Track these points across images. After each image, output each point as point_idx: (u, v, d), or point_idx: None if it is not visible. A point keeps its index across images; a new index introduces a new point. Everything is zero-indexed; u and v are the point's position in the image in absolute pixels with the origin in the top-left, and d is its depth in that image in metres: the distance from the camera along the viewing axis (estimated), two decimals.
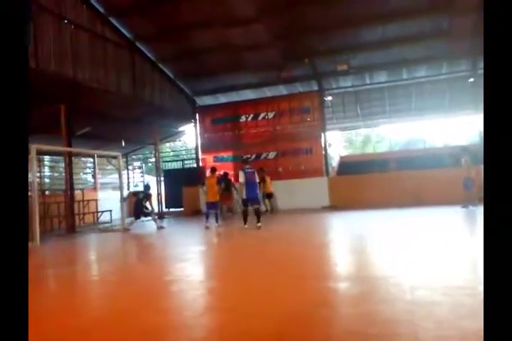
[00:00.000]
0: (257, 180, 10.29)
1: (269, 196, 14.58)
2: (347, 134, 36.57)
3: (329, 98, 17.77)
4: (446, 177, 13.07)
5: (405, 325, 2.95)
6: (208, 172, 12.33)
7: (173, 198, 17.82)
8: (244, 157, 13.19)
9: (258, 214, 10.07)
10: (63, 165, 13.20)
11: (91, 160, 19.36)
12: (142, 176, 22.06)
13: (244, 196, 10.02)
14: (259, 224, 9.83)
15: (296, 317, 3.31)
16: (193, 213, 16.52)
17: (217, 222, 11.27)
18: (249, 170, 10.14)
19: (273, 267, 5.37)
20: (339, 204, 14.66)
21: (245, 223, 10.13)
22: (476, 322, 2.85)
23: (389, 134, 29.82)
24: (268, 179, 14.58)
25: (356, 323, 3.13)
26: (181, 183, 17.18)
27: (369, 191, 14.45)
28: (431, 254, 5.54)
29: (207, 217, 11.02)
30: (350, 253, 6.42)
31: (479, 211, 10.71)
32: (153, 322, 3.40)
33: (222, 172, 14.24)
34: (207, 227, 10.74)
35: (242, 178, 9.99)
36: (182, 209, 17.53)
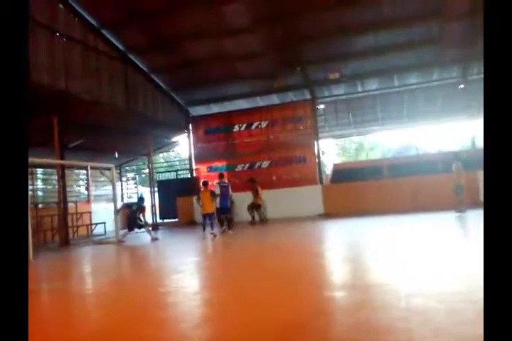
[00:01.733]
0: (231, 193, 11.97)
1: (257, 207, 14.41)
2: (340, 142, 36.72)
3: (322, 106, 17.86)
4: (440, 183, 13.10)
5: (401, 333, 2.93)
6: (201, 187, 12.54)
7: (167, 209, 17.75)
8: (220, 173, 13.40)
9: (229, 222, 11.90)
10: (56, 177, 13.13)
11: (84, 172, 19.27)
12: (136, 187, 22.00)
13: (218, 205, 11.45)
14: (230, 231, 11.57)
15: (292, 326, 3.28)
16: (188, 223, 16.45)
17: (212, 230, 11.53)
18: (224, 184, 11.72)
19: (268, 277, 5.35)
20: (334, 211, 14.66)
21: (222, 226, 11.76)
22: (472, 328, 2.84)
23: (382, 141, 29.98)
24: (260, 190, 14.44)
25: (352, 331, 3.11)
26: (175, 194, 17.13)
27: (363, 198, 14.49)
28: (426, 261, 5.54)
29: (204, 228, 11.50)
30: (345, 261, 6.41)
31: (470, 216, 10.75)
32: (149, 334, 3.37)
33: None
34: (204, 238, 11.14)
35: (217, 190, 11.49)
36: (176, 219, 17.47)
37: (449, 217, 11.04)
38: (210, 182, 14.44)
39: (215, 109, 18.77)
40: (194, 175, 18.49)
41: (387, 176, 15.05)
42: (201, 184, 12.97)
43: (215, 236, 10.97)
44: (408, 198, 13.86)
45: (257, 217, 14.28)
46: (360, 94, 17.59)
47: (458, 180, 11.75)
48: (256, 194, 14.14)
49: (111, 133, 14.74)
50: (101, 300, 5.00)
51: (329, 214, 14.67)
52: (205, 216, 11.69)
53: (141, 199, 12.32)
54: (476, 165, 10.93)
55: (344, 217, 13.61)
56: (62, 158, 11.66)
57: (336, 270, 5.84)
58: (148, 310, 4.16)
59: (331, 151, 34.75)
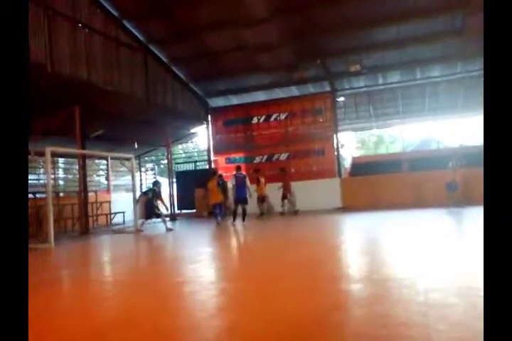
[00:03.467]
0: (248, 183, 11.98)
1: (262, 199, 14.40)
2: (360, 135, 36.41)
3: (341, 99, 17.69)
4: (463, 177, 12.90)
5: (418, 327, 2.91)
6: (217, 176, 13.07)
7: (186, 200, 17.87)
8: (237, 165, 13.50)
9: (244, 213, 11.91)
10: (77, 167, 13.31)
11: (104, 162, 19.50)
12: (155, 177, 22.18)
13: (234, 197, 11.96)
14: (244, 222, 11.74)
15: (308, 318, 3.29)
16: (206, 214, 16.56)
17: (221, 219, 12.27)
18: (239, 175, 11.99)
19: (284, 268, 5.36)
20: (352, 205, 14.58)
21: (234, 219, 11.92)
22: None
23: (402, 135, 29.63)
24: (262, 180, 14.42)
25: (368, 325, 3.10)
26: (193, 185, 17.23)
27: (382, 192, 14.37)
28: (445, 256, 5.48)
29: (216, 217, 12.24)
30: (363, 254, 6.37)
31: (467, 212, 10.66)
32: (166, 323, 3.41)
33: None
34: (218, 224, 11.92)
35: (233, 182, 11.90)
36: (194, 210, 17.58)
37: (469, 212, 10.88)
38: (219, 172, 14.71)
39: (234, 100, 18.75)
40: (212, 166, 18.54)
41: (406, 170, 14.88)
42: (211, 174, 13.61)
43: (218, 223, 11.71)
44: (429, 193, 13.70)
45: (262, 210, 14.29)
46: (381, 87, 17.36)
47: (453, 176, 12.40)
48: (257, 185, 14.11)
49: (131, 124, 14.86)
50: (118, 288, 5.08)
51: (347, 208, 14.60)
52: (214, 205, 12.46)
53: (155, 183, 12.41)
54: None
55: (362, 210, 13.54)
56: (83, 148, 11.80)
57: (354, 263, 5.82)
58: (165, 299, 4.21)
59: (350, 144, 34.50)
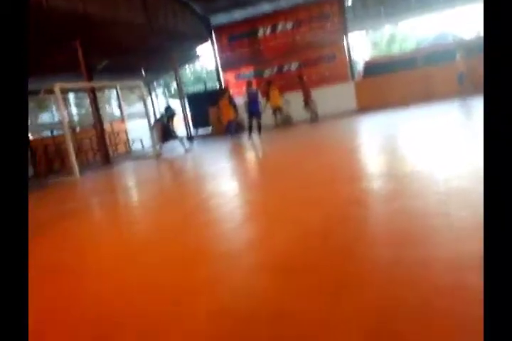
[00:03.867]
0: (260, 98, 12.04)
1: (278, 110, 14.14)
2: (371, 36, 34.76)
3: (349, 2, 16.65)
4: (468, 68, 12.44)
5: (440, 216, 2.97)
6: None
7: (200, 120, 17.83)
8: (248, 80, 13.08)
9: (259, 126, 11.94)
10: (88, 100, 13.22)
11: (114, 92, 19.31)
12: (167, 103, 22.02)
13: (247, 111, 11.97)
14: (260, 135, 11.88)
15: (334, 217, 3.38)
16: (222, 133, 16.58)
17: (235, 135, 12.60)
18: (251, 91, 11.93)
19: (304, 177, 5.42)
20: (367, 106, 14.34)
21: (250, 134, 11.91)
22: None
23: (415, 31, 28.17)
24: (275, 92, 14.03)
25: (391, 219, 3.18)
26: (206, 104, 17.03)
27: (394, 91, 14.07)
28: (461, 147, 5.44)
29: (230, 133, 12.72)
30: (380, 154, 6.38)
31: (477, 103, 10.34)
32: (196, 236, 3.56)
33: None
34: (232, 139, 12.41)
35: (245, 98, 11.93)
36: (210, 129, 17.60)
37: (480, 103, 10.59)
38: (229, 90, 14.42)
39: (236, 15, 17.75)
40: (223, 84, 18.19)
41: (416, 66, 14.36)
42: (221, 92, 13.51)
43: (235, 141, 11.98)
44: (439, 86, 13.36)
45: (277, 121, 14.17)
46: None
47: (462, 68, 12.31)
48: (267, 98, 13.77)
49: (135, 52, 14.41)
50: (147, 209, 5.27)
51: (363, 109, 14.40)
52: (229, 123, 12.75)
53: (167, 108, 12.36)
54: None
55: (377, 111, 13.30)
56: (90, 81, 11.62)
57: (373, 163, 5.83)
58: (193, 215, 4.36)
59: (361, 46, 33.13)
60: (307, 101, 14.06)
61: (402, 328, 1.71)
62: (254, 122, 11.98)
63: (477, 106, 9.76)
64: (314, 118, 14.00)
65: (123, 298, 2.51)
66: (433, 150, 5.64)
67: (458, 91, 12.46)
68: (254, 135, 11.84)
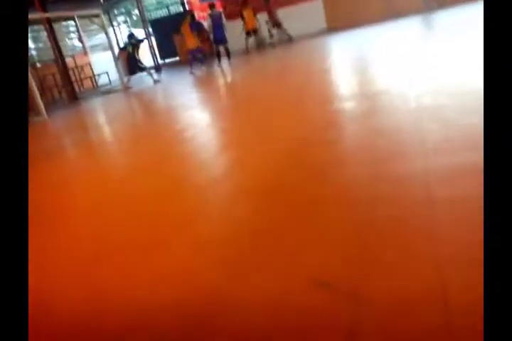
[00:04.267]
0: (224, 20, 11.55)
1: (253, 33, 13.50)
2: None
3: None
4: None
5: (412, 131, 3.02)
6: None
7: (166, 48, 17.11)
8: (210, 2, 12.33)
9: (227, 52, 11.41)
10: (45, 33, 12.44)
11: (73, 23, 18.18)
12: (130, 31, 20.91)
13: (212, 36, 11.44)
14: (230, 61, 11.35)
15: (306, 140, 3.41)
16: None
17: (203, 65, 11.71)
18: (214, 13, 11.36)
19: (277, 97, 5.37)
20: (337, 26, 13.87)
21: (219, 61, 11.34)
22: (479, 118, 2.90)
23: None
24: (250, 13, 13.26)
25: (365, 137, 3.22)
26: (171, 31, 16.24)
27: (366, 8, 13.58)
28: (432, 64, 5.39)
29: (191, 64, 11.55)
30: (350, 73, 6.31)
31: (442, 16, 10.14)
32: (174, 167, 3.58)
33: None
34: (192, 73, 11.18)
35: (208, 22, 11.33)
36: (177, 58, 16.97)
37: (444, 16, 10.38)
38: (192, 13, 13.41)
39: None
40: (187, 8, 17.24)
41: None
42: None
43: (203, 70, 11.19)
44: (409, 2, 12.94)
45: (253, 45, 13.62)
46: None
47: None
48: (243, 19, 13.08)
49: None
50: (123, 145, 5.22)
51: (332, 28, 13.94)
52: (190, 52, 11.73)
53: (130, 36, 11.70)
54: None
55: (347, 29, 12.91)
56: (44, 11, 10.85)
57: (343, 83, 5.78)
58: (169, 147, 4.34)
59: None
60: (276, 23, 13.45)
61: (378, 243, 1.80)
62: (222, 48, 11.47)
63: (441, 20, 9.58)
64: (288, 39, 13.51)
65: (111, 230, 2.57)
66: (402, 66, 5.59)
67: (422, 7, 12.24)
68: (224, 62, 11.49)
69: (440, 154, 2.50)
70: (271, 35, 13.60)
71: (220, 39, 11.40)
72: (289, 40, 13.45)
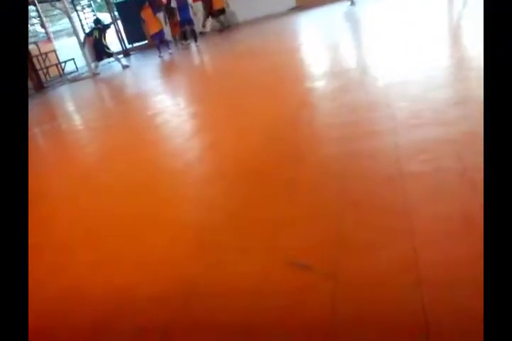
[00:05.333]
0: (191, 2, 11.23)
1: (220, 13, 13.20)
2: None
3: None
4: None
5: (383, 108, 3.05)
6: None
7: (134, 32, 16.66)
8: None
9: (194, 34, 11.33)
10: None
11: (33, 8, 17.54)
12: (94, 15, 20.30)
13: (178, 18, 11.21)
14: (196, 44, 11.25)
15: (281, 118, 3.41)
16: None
17: (169, 49, 11.20)
18: None
19: (249, 80, 5.34)
20: (305, 4, 13.72)
21: (186, 40, 11.41)
22: (445, 92, 2.95)
23: None
24: None
25: (336, 115, 3.25)
26: (138, 14, 15.83)
27: None
28: (401, 42, 5.43)
29: (158, 48, 11.15)
30: (322, 53, 6.30)
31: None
32: (148, 151, 3.55)
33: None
34: (161, 57, 10.88)
35: (173, 3, 11.06)
36: (146, 42, 16.59)
37: None
38: None
39: None
40: None
41: None
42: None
43: (171, 54, 10.86)
44: None
45: (220, 25, 13.33)
46: None
47: None
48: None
49: None
50: (94, 133, 5.14)
51: (301, 7, 13.79)
52: (153, 37, 11.35)
53: (96, 21, 11.38)
54: None
55: (317, 7, 12.82)
56: None
57: (315, 61, 5.77)
58: (142, 134, 4.29)
59: None
60: (210, 12, 12.94)
61: (353, 222, 1.83)
62: (189, 30, 11.29)
63: None
64: (227, 28, 13.15)
65: (84, 218, 2.54)
66: (370, 44, 5.62)
67: None
68: (192, 44, 11.30)
69: (407, 130, 2.54)
70: (204, 25, 13.24)
71: (186, 20, 11.16)
72: (222, 28, 13.06)
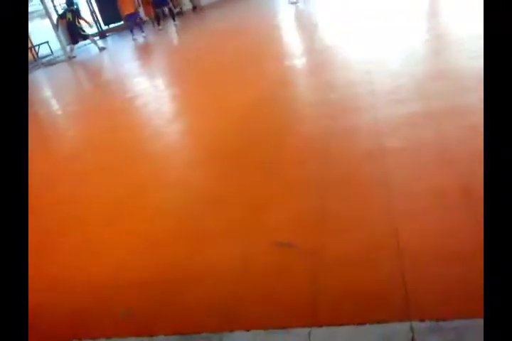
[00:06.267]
0: None
1: None
2: None
3: None
4: None
5: (363, 85, 3.05)
6: None
7: (110, 12, 16.21)
8: None
9: (172, 14, 11.14)
10: None
11: None
12: None
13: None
14: (175, 22, 10.97)
15: (264, 94, 3.39)
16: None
17: (142, 32, 10.72)
18: None
19: (228, 59, 5.27)
20: None
21: (159, 24, 10.87)
22: (423, 67, 2.97)
23: None
24: None
25: (318, 91, 3.24)
26: None
27: None
28: (380, 19, 5.40)
29: (131, 31, 10.74)
30: (299, 29, 6.24)
31: None
32: (127, 137, 3.51)
33: None
34: (134, 39, 10.52)
35: None
36: (122, 22, 16.21)
37: None
38: None
39: None
40: None
41: None
42: None
43: (144, 37, 10.46)
44: None
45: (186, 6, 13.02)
46: None
47: None
48: None
49: None
50: (73, 120, 5.06)
51: None
52: (127, 18, 10.86)
53: (69, 2, 11.00)
54: None
55: None
56: None
57: (294, 39, 5.72)
58: (123, 118, 4.23)
59: None
60: None
61: (333, 200, 1.84)
62: (166, 10, 11.07)
63: None
64: (195, 9, 12.92)
65: (66, 204, 2.52)
66: (349, 21, 5.58)
67: None
68: (169, 24, 11.05)
69: (387, 106, 2.55)
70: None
71: (160, 2, 10.85)
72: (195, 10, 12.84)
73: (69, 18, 10.73)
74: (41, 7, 12.08)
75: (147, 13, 12.08)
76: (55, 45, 12.80)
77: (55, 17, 11.94)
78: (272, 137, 2.62)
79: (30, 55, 14.07)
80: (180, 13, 12.95)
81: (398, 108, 2.46)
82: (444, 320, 1.12)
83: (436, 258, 1.34)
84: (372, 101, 2.66)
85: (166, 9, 11.06)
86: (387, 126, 2.30)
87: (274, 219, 1.79)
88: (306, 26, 6.40)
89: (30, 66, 12.13)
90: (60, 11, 13.41)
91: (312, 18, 6.86)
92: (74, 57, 10.85)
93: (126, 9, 10.60)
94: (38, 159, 3.69)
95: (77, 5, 10.94)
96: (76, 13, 10.77)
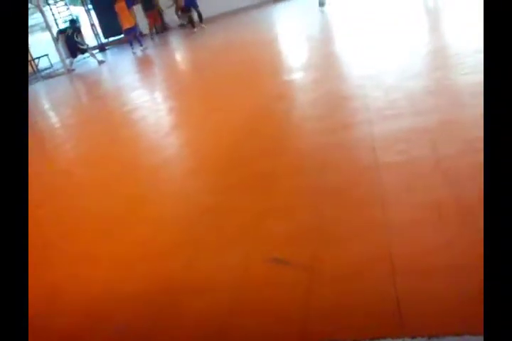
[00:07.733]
0: None
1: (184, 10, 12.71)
2: None
3: None
4: None
5: (358, 99, 3.07)
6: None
7: (110, 26, 16.35)
8: None
9: (200, 16, 11.34)
10: None
11: None
12: (68, 9, 19.88)
13: (183, 3, 11.25)
14: (203, 25, 11.25)
15: (259, 109, 3.41)
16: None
17: (141, 45, 10.70)
18: None
19: (226, 76, 5.30)
20: None
21: (194, 27, 11.16)
22: (417, 82, 3.00)
23: None
24: None
25: (312, 106, 3.26)
26: (113, 7, 15.51)
27: None
28: (377, 34, 5.45)
29: (131, 44, 10.72)
30: (297, 44, 6.29)
31: None
32: (124, 150, 3.52)
33: None
34: (134, 53, 10.50)
35: None
36: (122, 35, 16.34)
37: None
38: None
39: None
40: None
41: None
42: None
43: (142, 51, 10.47)
44: None
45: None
46: None
47: None
48: None
49: None
50: (72, 130, 5.08)
51: None
52: (126, 32, 10.85)
53: (73, 21, 11.19)
54: None
55: None
56: None
57: (292, 54, 5.77)
58: (117, 129, 4.25)
59: None
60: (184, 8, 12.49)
61: (330, 213, 1.84)
62: (196, 12, 11.28)
63: None
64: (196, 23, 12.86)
65: (64, 217, 2.51)
66: (347, 36, 5.64)
67: None
68: (171, 37, 11.13)
69: (381, 121, 2.56)
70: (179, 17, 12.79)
71: (190, 4, 11.13)
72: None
73: (68, 34, 10.85)
74: (42, 20, 12.17)
75: (152, 24, 12.19)
76: (55, 57, 12.88)
77: (55, 30, 12.06)
78: (268, 151, 2.62)
79: (30, 67, 14.18)
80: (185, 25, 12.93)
81: (394, 123, 2.47)
82: (436, 336, 1.11)
83: (429, 272, 1.33)
84: (367, 117, 2.67)
85: (196, 11, 11.22)
86: (383, 141, 2.30)
87: (269, 233, 1.78)
88: (305, 40, 6.44)
89: (29, 78, 12.21)
90: (62, 26, 13.56)
91: (311, 32, 6.90)
92: (73, 70, 10.93)
93: (126, 23, 10.58)
94: (35, 171, 3.70)
95: (79, 22, 11.03)
96: (77, 30, 10.88)
